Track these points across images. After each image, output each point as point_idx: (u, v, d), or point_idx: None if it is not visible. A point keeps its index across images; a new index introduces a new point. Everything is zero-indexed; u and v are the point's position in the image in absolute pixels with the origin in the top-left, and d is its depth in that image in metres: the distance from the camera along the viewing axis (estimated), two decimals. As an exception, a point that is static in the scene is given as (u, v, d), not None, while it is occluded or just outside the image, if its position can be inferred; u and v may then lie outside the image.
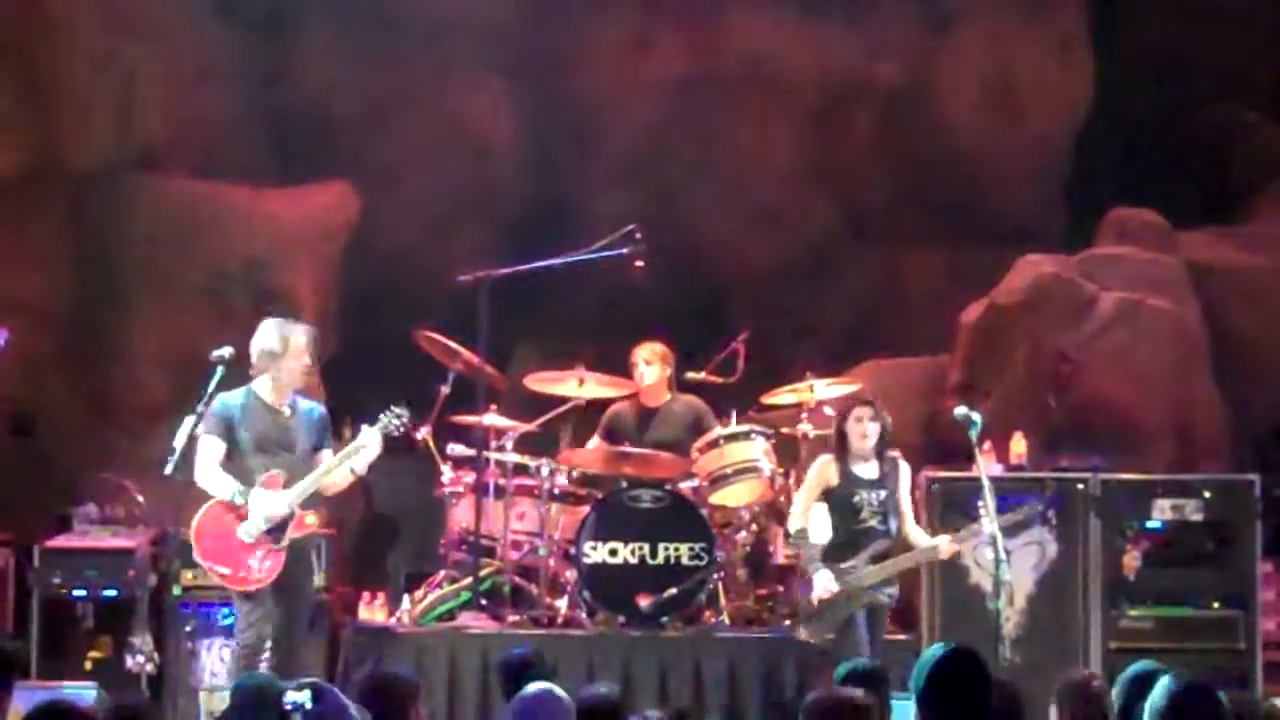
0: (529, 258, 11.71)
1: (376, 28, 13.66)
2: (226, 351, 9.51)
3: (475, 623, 10.98)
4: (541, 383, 11.71)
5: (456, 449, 11.40)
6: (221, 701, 9.25)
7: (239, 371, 9.69)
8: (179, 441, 9.32)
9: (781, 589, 11.33)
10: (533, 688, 6.73)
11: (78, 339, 12.67)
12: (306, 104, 13.73)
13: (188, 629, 10.92)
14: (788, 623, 10.89)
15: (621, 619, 10.95)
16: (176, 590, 10.68)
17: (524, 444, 11.40)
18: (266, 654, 9.43)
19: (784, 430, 11.47)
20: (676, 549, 11.00)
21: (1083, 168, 14.24)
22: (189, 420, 9.39)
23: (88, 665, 10.94)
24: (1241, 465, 11.98)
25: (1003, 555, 9.46)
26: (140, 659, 10.01)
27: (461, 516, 11.32)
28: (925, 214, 14.19)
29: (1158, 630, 11.10)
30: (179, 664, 10.83)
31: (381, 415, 9.72)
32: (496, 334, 11.40)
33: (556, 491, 11.28)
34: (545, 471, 11.20)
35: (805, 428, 11.35)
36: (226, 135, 13.53)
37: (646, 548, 11.00)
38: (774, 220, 14.24)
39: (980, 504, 9.63)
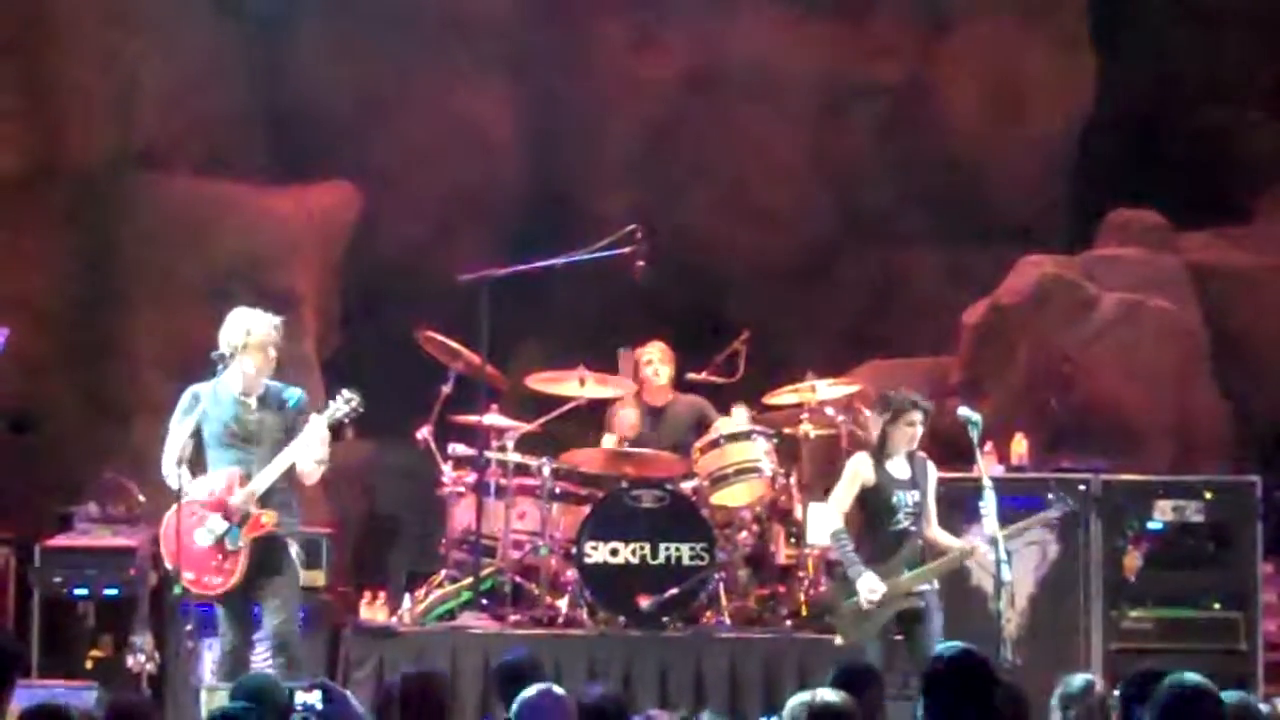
0: (530, 257, 11.70)
1: (378, 27, 13.65)
2: (230, 353, 9.47)
3: (476, 622, 10.98)
4: (542, 383, 11.72)
5: (457, 449, 11.41)
6: (222, 701, 9.23)
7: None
8: (179, 455, 9.33)
9: (782, 589, 11.33)
10: (534, 689, 6.67)
11: (79, 338, 12.68)
12: (308, 103, 13.72)
13: (188, 628, 10.82)
14: (788, 622, 10.91)
15: (622, 619, 10.95)
16: (177, 589, 10.59)
17: (525, 444, 11.40)
18: (260, 656, 9.33)
19: (785, 430, 11.47)
20: (677, 549, 11.00)
21: (1084, 168, 14.23)
22: (178, 430, 9.39)
23: (88, 664, 10.93)
24: (1242, 466, 11.98)
25: (1004, 556, 9.45)
26: (141, 658, 10.02)
27: (462, 516, 11.32)
28: (926, 214, 14.19)
29: (1158, 631, 11.10)
30: (179, 663, 10.80)
31: (330, 401, 9.54)
32: (497, 334, 11.39)
33: (557, 491, 11.28)
34: (546, 471, 11.20)
35: (806, 428, 11.35)
36: (228, 134, 13.52)
37: (647, 548, 11.00)
38: (774, 220, 14.23)
39: (981, 505, 9.63)
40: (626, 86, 14.15)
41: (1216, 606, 11.16)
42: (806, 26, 14.13)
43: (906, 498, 9.75)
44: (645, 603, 10.90)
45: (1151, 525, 11.18)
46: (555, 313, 13.48)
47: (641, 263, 11.39)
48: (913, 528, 9.76)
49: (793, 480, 11.31)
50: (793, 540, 11.34)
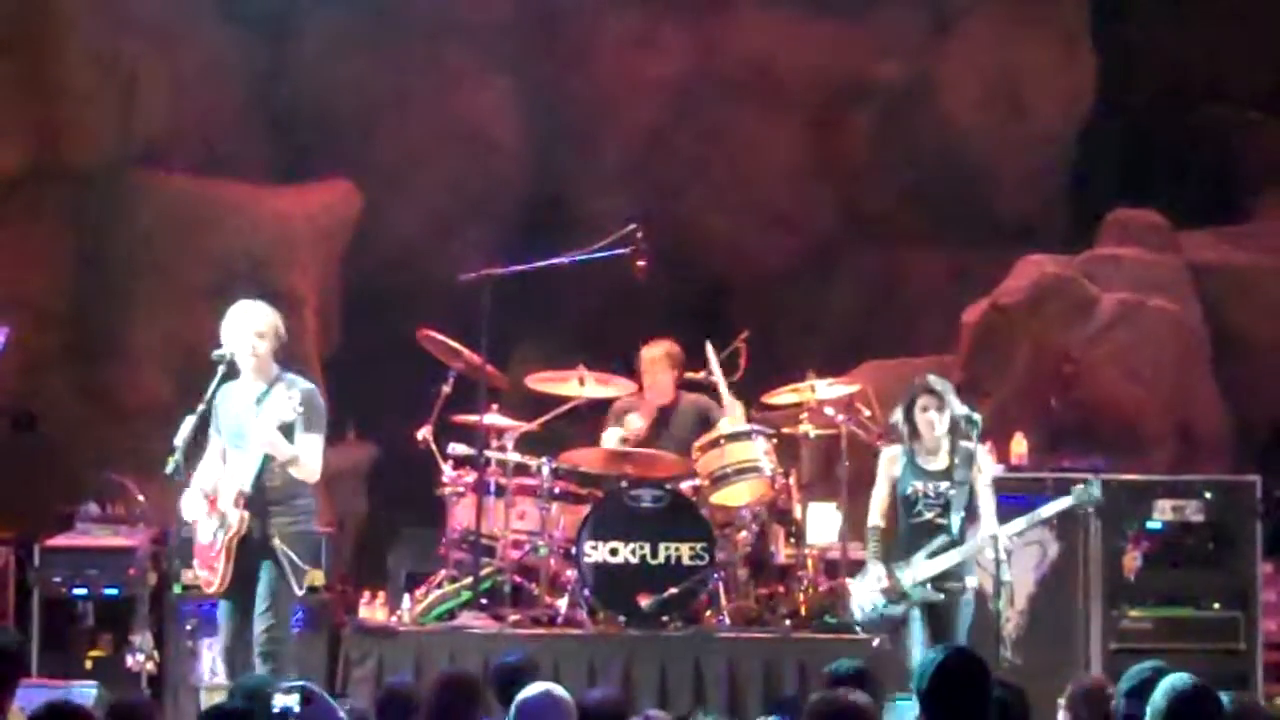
0: (530, 257, 11.69)
1: (379, 26, 13.66)
2: (228, 350, 9.46)
3: (476, 622, 10.97)
4: (542, 382, 11.71)
5: (457, 448, 11.39)
6: (221, 700, 9.23)
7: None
8: (180, 440, 9.29)
9: (782, 589, 11.33)
10: (534, 689, 6.65)
11: (79, 337, 12.69)
12: (308, 102, 13.73)
13: (188, 628, 10.91)
14: (788, 622, 10.90)
15: (622, 619, 10.94)
16: (177, 589, 10.68)
17: (525, 443, 11.40)
18: (259, 657, 9.32)
19: (785, 430, 11.47)
20: (677, 549, 10.99)
21: (1084, 168, 14.24)
22: (190, 419, 9.36)
23: (88, 664, 10.92)
24: (1242, 466, 11.99)
25: (1003, 556, 9.46)
26: (140, 657, 10.00)
27: (462, 516, 11.31)
28: (927, 214, 14.19)
29: (1158, 631, 11.10)
30: (179, 663, 10.82)
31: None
32: (498, 333, 11.38)
33: (557, 491, 11.28)
34: (545, 471, 11.19)
35: (806, 428, 11.35)
36: (228, 133, 13.54)
37: (647, 547, 10.99)
38: (775, 220, 14.24)
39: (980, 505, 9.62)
40: (626, 86, 14.16)
41: (1216, 606, 11.17)
42: (806, 26, 14.14)
43: (929, 488, 9.65)
44: (645, 602, 10.89)
45: (1151, 525, 11.18)
46: (555, 313, 13.48)
47: (642, 262, 11.37)
48: (939, 520, 9.63)
49: (792, 480, 11.30)
50: (792, 540, 11.34)
